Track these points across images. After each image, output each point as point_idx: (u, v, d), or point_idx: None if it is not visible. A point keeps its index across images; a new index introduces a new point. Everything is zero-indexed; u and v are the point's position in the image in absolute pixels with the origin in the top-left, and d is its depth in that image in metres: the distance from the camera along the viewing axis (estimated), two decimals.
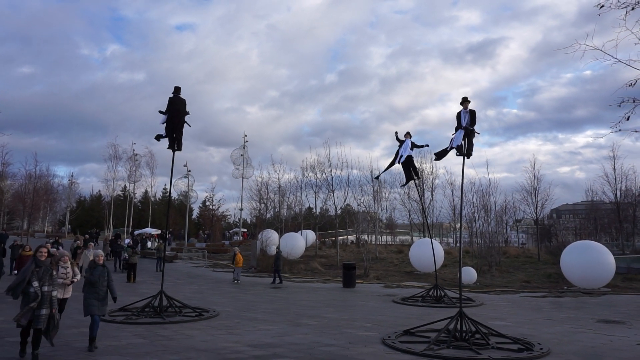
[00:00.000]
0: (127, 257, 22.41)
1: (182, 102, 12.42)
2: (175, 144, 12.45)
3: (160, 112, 12.29)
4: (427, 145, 15.21)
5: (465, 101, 10.59)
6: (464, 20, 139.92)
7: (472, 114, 10.44)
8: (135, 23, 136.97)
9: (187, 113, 12.58)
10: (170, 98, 12.35)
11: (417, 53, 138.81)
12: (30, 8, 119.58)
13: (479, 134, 10.66)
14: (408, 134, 14.45)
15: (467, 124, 10.33)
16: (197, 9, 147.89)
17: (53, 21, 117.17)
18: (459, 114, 10.57)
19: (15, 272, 15.42)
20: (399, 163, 14.35)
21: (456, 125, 10.55)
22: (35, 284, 6.45)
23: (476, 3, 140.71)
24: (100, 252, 8.81)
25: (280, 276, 21.22)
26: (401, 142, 14.41)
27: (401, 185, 15.60)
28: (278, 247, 24.93)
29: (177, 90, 12.41)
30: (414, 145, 14.38)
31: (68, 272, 9.20)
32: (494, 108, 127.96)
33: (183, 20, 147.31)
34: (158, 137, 12.45)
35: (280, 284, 20.56)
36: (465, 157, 10.44)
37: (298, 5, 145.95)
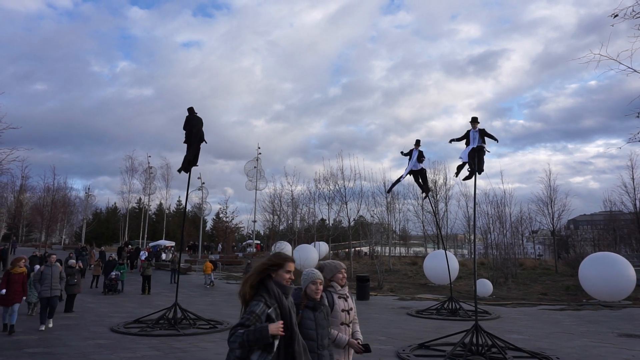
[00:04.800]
0: (114, 276, 19.43)
1: (199, 122, 12.56)
2: (193, 160, 12.67)
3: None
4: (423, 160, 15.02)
5: (474, 121, 10.96)
6: (463, 33, 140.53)
7: (482, 132, 10.81)
8: (143, 41, 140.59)
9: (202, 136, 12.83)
10: (187, 117, 12.59)
11: (419, 66, 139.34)
12: (44, 29, 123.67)
13: (489, 152, 10.98)
14: (417, 143, 14.63)
15: (478, 143, 10.70)
16: (202, 26, 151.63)
17: (65, 41, 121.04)
18: (468, 132, 11.02)
19: (3, 291, 10.12)
20: (402, 179, 14.97)
21: (465, 141, 11.04)
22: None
23: (475, 17, 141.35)
24: (317, 274, 3.61)
25: None
26: (410, 154, 14.58)
27: (423, 198, 16.14)
28: (249, 260, 25.65)
29: (191, 110, 12.60)
30: (421, 155, 14.53)
31: (352, 309, 4.09)
32: (499, 119, 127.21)
33: (189, 37, 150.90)
34: (182, 170, 12.63)
35: None
36: (477, 173, 10.73)
37: (299, 22, 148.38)
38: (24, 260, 10.86)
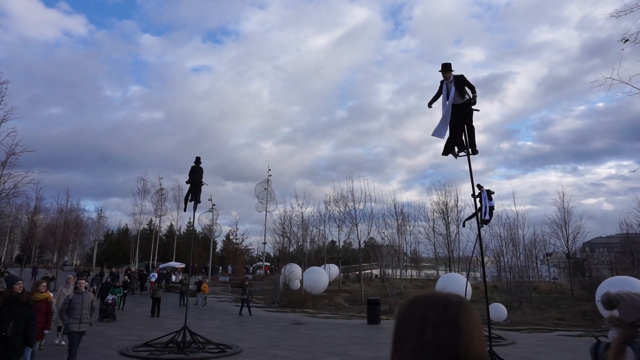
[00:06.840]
0: (110, 300, 17.75)
1: (201, 171, 13.70)
2: (196, 199, 13.68)
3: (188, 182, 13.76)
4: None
5: (446, 69, 8.19)
6: (468, 57, 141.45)
7: (460, 81, 8.16)
8: (154, 66, 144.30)
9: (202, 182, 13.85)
10: (192, 167, 13.68)
11: (424, 89, 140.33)
12: (59, 56, 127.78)
13: (478, 110, 8.68)
14: (480, 186, 15.58)
15: (451, 99, 8.15)
16: (211, 52, 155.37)
17: (80, 67, 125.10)
18: (441, 86, 8.47)
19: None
20: (483, 216, 15.74)
21: (439, 97, 8.52)
22: None
23: (478, 41, 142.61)
24: None
25: (242, 307, 21.89)
26: (479, 195, 15.32)
27: (483, 223, 16.95)
28: (246, 281, 25.25)
29: (197, 160, 13.78)
30: (489, 193, 15.98)
31: None
32: (507, 141, 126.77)
33: (198, 63, 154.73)
34: (186, 202, 13.87)
35: (240, 315, 21.27)
36: (471, 153, 9.01)
37: (305, 47, 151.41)
38: (44, 284, 8.74)
